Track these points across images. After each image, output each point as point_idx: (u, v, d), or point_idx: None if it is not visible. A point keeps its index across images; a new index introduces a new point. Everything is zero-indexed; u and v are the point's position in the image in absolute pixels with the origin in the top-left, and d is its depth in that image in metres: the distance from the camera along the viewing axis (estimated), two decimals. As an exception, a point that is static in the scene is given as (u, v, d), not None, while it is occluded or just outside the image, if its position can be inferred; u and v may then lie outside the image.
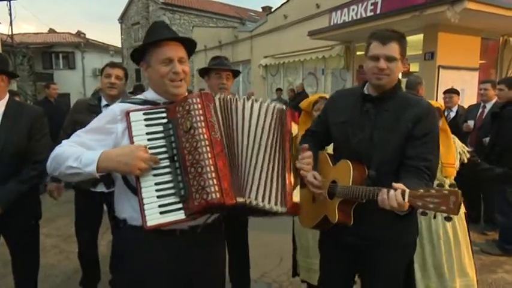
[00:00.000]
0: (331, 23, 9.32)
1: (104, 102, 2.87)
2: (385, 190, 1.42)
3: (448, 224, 2.46)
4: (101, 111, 2.68)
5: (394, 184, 1.40)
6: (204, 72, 2.76)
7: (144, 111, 1.47)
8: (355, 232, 1.72)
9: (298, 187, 1.58)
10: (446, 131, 2.50)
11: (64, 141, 1.52)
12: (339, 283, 1.94)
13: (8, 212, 2.18)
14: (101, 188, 2.73)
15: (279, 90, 11.83)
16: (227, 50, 15.85)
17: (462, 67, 7.50)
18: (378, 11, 7.95)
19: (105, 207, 2.94)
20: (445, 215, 2.19)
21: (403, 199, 1.35)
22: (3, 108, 2.28)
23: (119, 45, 26.79)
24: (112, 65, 2.94)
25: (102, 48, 26.18)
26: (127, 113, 1.45)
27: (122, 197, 1.56)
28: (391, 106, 1.71)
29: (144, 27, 23.02)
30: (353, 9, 8.68)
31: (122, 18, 25.36)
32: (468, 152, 2.58)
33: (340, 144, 1.85)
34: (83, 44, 25.18)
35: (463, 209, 2.58)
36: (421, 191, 1.34)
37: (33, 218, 2.45)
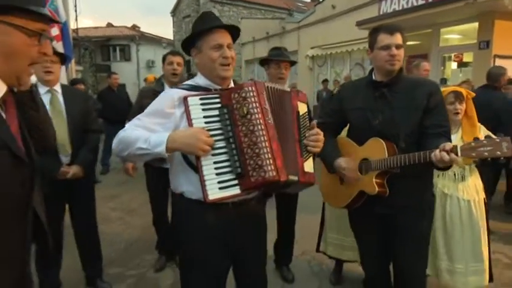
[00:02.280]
0: (381, 12, 9.20)
1: (167, 87, 3.16)
2: (437, 150, 1.65)
3: (464, 209, 2.51)
4: None
5: (443, 144, 1.64)
6: (264, 62, 3.01)
7: (200, 97, 1.61)
8: (382, 202, 1.94)
9: (310, 160, 1.71)
10: (473, 118, 2.54)
11: (127, 125, 1.67)
12: (377, 252, 2.16)
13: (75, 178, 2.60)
14: (168, 164, 3.09)
15: (325, 81, 11.87)
16: (274, 41, 16.02)
17: (521, 56, 7.17)
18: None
19: None
20: (466, 197, 2.38)
21: (457, 154, 1.60)
22: (60, 90, 2.68)
23: (171, 37, 27.82)
24: (173, 53, 3.27)
25: (155, 40, 27.30)
26: (185, 98, 1.58)
27: (179, 173, 1.71)
28: (401, 88, 1.96)
29: (194, 20, 23.76)
30: (404, -2, 8.53)
31: (174, 12, 26.29)
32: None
33: (360, 127, 2.07)
34: (137, 37, 26.37)
35: (482, 195, 2.59)
36: (472, 143, 1.59)
37: (92, 182, 2.93)
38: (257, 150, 1.52)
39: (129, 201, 5.21)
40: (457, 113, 2.50)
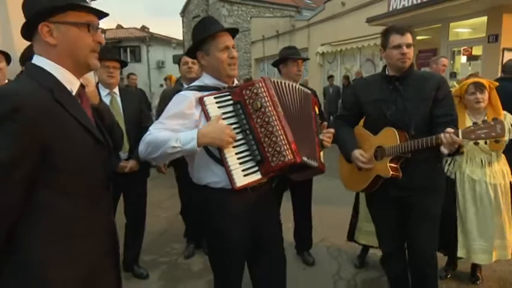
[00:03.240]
0: (390, 9, 9.29)
1: (186, 86, 3.44)
2: (441, 134, 1.87)
3: (491, 190, 2.73)
4: None
5: (447, 129, 1.87)
6: (280, 61, 3.21)
7: (214, 96, 1.78)
8: (398, 185, 2.17)
9: (322, 152, 1.98)
10: (497, 106, 2.72)
11: (151, 129, 1.79)
12: (393, 231, 2.39)
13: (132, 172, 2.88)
14: None
15: (330, 77, 12.11)
16: (284, 39, 16.18)
17: (530, 49, 7.27)
18: (439, -5, 7.87)
19: None
20: (493, 182, 2.62)
21: (458, 137, 1.82)
22: (118, 92, 2.98)
23: (180, 37, 28.11)
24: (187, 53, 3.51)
25: (165, 41, 27.59)
26: (201, 99, 1.75)
27: (203, 166, 1.84)
28: (411, 81, 2.19)
29: (203, 20, 23.98)
30: (413, -6, 8.63)
31: (183, 12, 26.56)
32: None
33: (374, 118, 2.29)
34: (147, 38, 26.72)
35: (509, 179, 2.80)
36: (471, 127, 1.82)
37: (145, 174, 3.19)
38: (274, 139, 1.72)
39: (155, 195, 5.50)
40: (479, 102, 2.68)
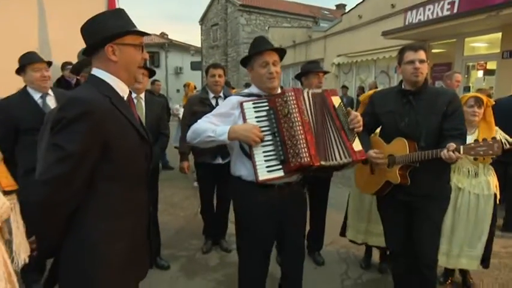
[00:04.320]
0: (406, 23, 9.47)
1: (211, 95, 3.69)
2: (445, 149, 2.07)
3: (473, 201, 2.88)
4: (210, 102, 3.63)
5: (449, 144, 2.06)
6: (302, 74, 3.48)
7: (252, 102, 2.11)
8: (406, 191, 2.37)
9: (357, 139, 2.07)
10: (490, 122, 2.90)
11: (199, 121, 2.18)
12: (400, 233, 2.57)
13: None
14: (218, 161, 3.61)
15: (344, 87, 12.36)
16: (301, 49, 16.48)
17: (544, 66, 7.36)
18: (455, 10, 8.03)
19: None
20: (476, 192, 2.83)
21: (460, 152, 2.02)
22: (144, 98, 3.27)
23: (197, 44, 28.68)
24: (215, 66, 3.74)
25: (183, 48, 28.19)
26: (241, 103, 2.09)
27: (238, 160, 2.18)
28: (425, 96, 2.37)
29: (221, 28, 24.48)
30: (429, 9, 8.77)
31: (202, 20, 27.15)
32: (508, 142, 2.93)
33: (389, 128, 2.49)
34: (167, 44, 27.34)
35: (493, 191, 2.92)
36: (472, 144, 2.01)
37: (157, 172, 3.51)
38: (295, 142, 1.96)
39: (171, 196, 5.80)
40: (474, 115, 2.85)
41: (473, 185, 2.92)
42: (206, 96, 3.70)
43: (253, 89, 2.27)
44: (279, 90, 2.25)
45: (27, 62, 2.79)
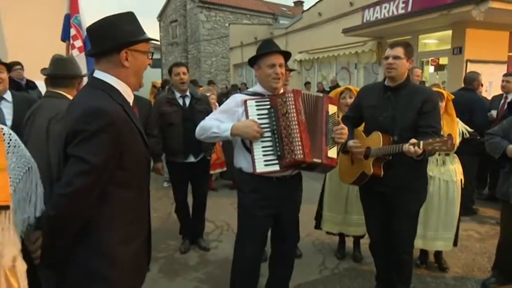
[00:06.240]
0: (364, 20, 9.85)
1: (178, 94, 3.66)
2: (406, 144, 2.21)
3: (443, 187, 3.14)
4: (178, 102, 3.64)
5: (411, 140, 2.20)
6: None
7: (255, 100, 2.28)
8: (383, 182, 2.53)
9: (335, 148, 2.28)
10: (452, 115, 3.14)
11: (206, 118, 2.40)
12: (377, 221, 2.75)
13: None
14: (190, 159, 3.63)
15: (307, 83, 12.75)
16: (262, 46, 16.59)
17: (490, 60, 7.91)
18: (409, 9, 8.45)
19: None
20: (445, 178, 2.99)
21: (419, 147, 2.16)
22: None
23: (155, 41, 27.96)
24: (177, 64, 3.71)
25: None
26: (245, 101, 2.26)
27: (240, 154, 2.37)
28: (404, 93, 2.50)
29: (181, 25, 24.10)
30: (385, 7, 9.17)
31: (161, 16, 26.57)
32: (468, 132, 3.19)
33: (369, 121, 2.65)
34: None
35: (460, 176, 3.20)
36: (430, 140, 2.16)
37: None
38: (291, 139, 2.16)
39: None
40: None
41: (442, 173, 3.16)
42: (173, 96, 3.69)
43: (257, 88, 2.43)
44: (282, 91, 2.37)
45: None
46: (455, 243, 3.28)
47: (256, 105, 2.26)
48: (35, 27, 5.35)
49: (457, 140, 3.09)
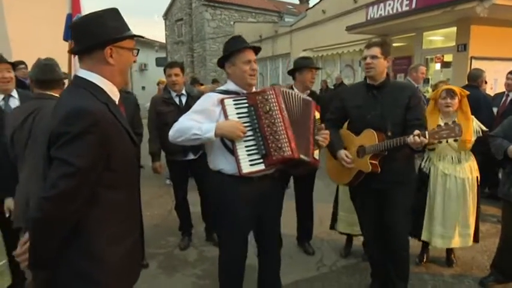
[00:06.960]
0: (368, 18, 9.77)
1: (173, 93, 3.68)
2: (411, 135, 2.23)
3: (460, 185, 3.11)
4: (174, 101, 3.65)
5: (415, 132, 2.22)
6: (296, 70, 3.48)
7: (233, 99, 2.18)
8: (378, 179, 2.53)
9: (317, 151, 2.31)
10: (467, 112, 3.09)
11: (180, 119, 2.19)
12: (371, 219, 2.76)
13: None
14: (189, 157, 3.65)
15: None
16: (267, 43, 16.58)
17: (495, 57, 7.80)
18: (413, 6, 8.36)
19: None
20: (461, 176, 3.08)
21: (425, 137, 2.18)
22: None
23: (161, 40, 28.11)
24: (171, 65, 3.70)
25: (147, 44, 27.58)
26: (222, 100, 2.16)
27: (219, 155, 2.23)
28: (388, 90, 2.55)
29: (186, 24, 24.14)
30: (389, 4, 9.07)
31: (166, 15, 26.61)
32: (482, 130, 3.14)
33: (357, 121, 2.65)
34: (130, 40, 26.54)
35: (476, 173, 3.17)
36: (436, 129, 2.18)
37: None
38: (277, 137, 2.13)
39: (143, 194, 5.65)
40: (448, 106, 3.05)
41: (458, 171, 3.14)
42: (169, 96, 3.70)
43: (230, 86, 2.33)
44: (254, 89, 2.33)
45: None
46: (476, 240, 3.25)
47: (235, 104, 2.19)
48: (39, 26, 5.42)
49: (473, 138, 3.06)
